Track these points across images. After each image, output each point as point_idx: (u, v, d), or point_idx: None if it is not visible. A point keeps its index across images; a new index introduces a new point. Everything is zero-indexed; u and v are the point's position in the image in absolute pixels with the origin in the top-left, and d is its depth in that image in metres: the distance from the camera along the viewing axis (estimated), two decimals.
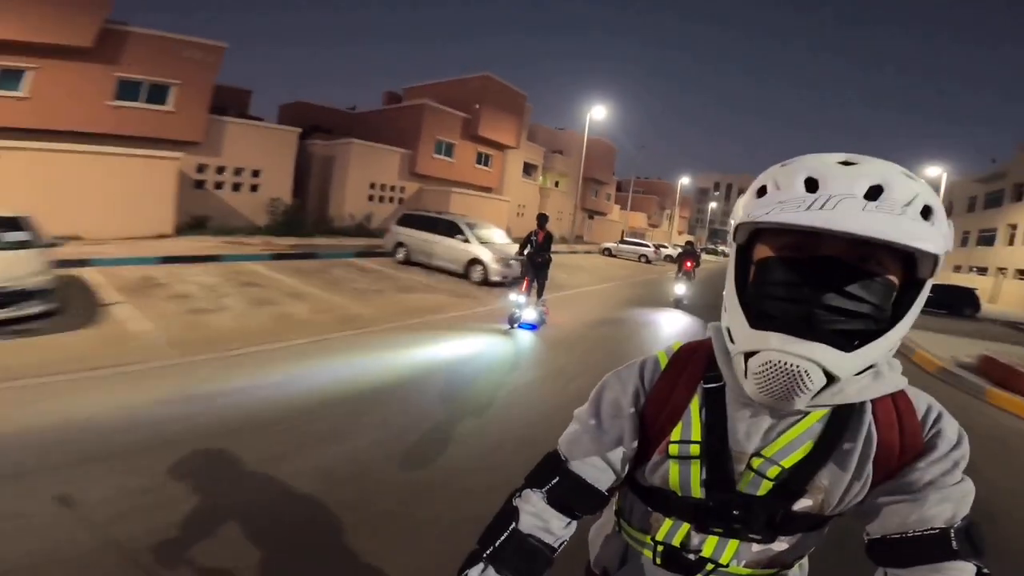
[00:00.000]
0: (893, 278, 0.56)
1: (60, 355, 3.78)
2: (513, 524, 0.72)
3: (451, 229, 10.32)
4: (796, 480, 0.65)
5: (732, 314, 0.63)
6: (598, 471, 0.74)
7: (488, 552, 0.70)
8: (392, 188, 18.31)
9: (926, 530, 0.60)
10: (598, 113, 24.23)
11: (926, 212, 0.53)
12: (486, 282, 9.43)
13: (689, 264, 10.16)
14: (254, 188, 14.14)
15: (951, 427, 0.65)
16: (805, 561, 0.78)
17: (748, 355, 0.60)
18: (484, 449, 3.03)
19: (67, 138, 10.04)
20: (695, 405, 0.70)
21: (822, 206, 0.52)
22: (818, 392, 0.57)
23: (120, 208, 9.87)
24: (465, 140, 20.95)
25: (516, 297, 6.29)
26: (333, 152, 16.89)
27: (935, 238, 0.52)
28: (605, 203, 34.99)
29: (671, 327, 7.99)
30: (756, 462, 0.66)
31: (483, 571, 0.68)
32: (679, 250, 13.28)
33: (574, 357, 5.38)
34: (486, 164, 22.57)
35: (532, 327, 6.28)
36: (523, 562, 0.70)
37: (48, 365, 3.55)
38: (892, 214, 0.51)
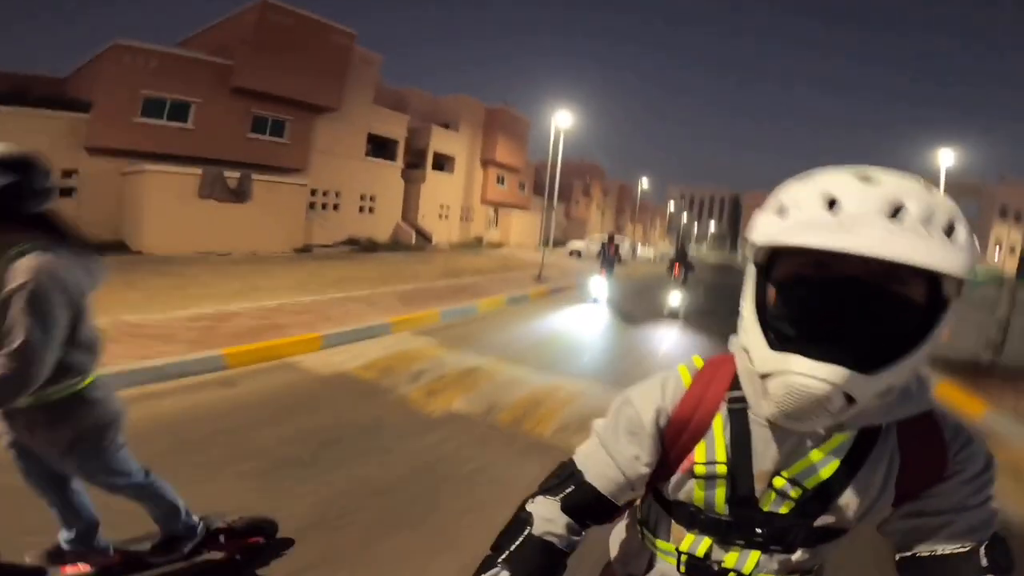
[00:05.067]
0: (915, 297, 0.56)
1: None
2: (528, 529, 0.75)
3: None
4: (819, 500, 0.68)
5: (751, 333, 0.64)
6: (613, 485, 0.78)
7: (503, 557, 0.73)
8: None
9: (955, 549, 0.63)
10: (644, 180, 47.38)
11: (949, 229, 0.54)
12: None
13: (678, 269, 9.84)
14: None
15: (980, 451, 0.67)
16: (824, 565, 0.81)
17: (766, 376, 0.62)
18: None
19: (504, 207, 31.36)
20: (718, 424, 0.73)
21: (845, 227, 0.53)
22: (842, 412, 0.58)
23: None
24: (585, 196, 43.47)
25: (596, 280, 10.45)
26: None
27: (958, 257, 0.52)
28: (629, 224, 58.59)
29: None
30: (779, 482, 0.69)
31: (498, 575, 0.70)
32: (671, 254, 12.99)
33: (629, 301, 11.71)
34: (587, 208, 45.18)
35: (597, 300, 10.23)
36: (538, 566, 0.73)
37: None
38: (915, 234, 0.52)
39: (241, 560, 1.99)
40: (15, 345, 1.31)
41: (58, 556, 1.75)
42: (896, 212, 0.54)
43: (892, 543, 0.71)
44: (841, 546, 0.76)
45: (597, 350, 6.75)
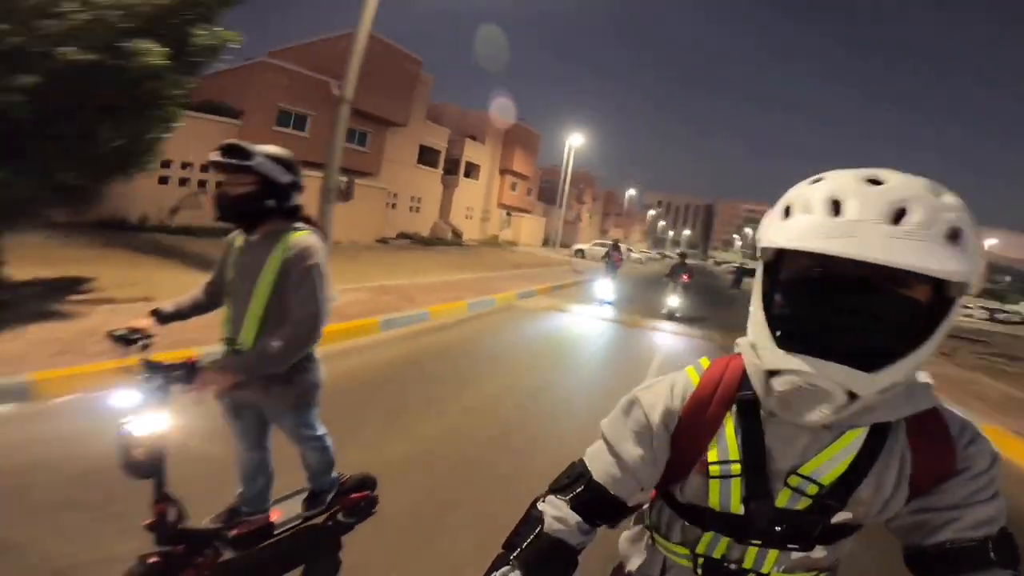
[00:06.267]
0: (919, 297, 0.59)
1: None
2: (539, 528, 0.78)
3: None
4: (835, 496, 0.71)
5: (758, 331, 0.69)
6: (621, 485, 0.81)
7: (515, 555, 0.75)
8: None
9: (964, 542, 0.66)
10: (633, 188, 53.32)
11: (953, 234, 0.56)
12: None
13: (686, 277, 10.83)
14: None
15: (985, 448, 0.70)
16: (839, 561, 0.85)
17: (773, 373, 0.67)
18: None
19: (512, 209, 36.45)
20: (729, 424, 0.76)
21: (845, 232, 0.57)
22: (843, 408, 0.63)
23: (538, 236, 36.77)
24: (578, 202, 49.16)
25: (602, 283, 11.64)
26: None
27: (958, 262, 0.55)
28: (612, 228, 64.72)
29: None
30: (794, 480, 0.72)
31: (511, 574, 0.72)
32: (672, 260, 14.27)
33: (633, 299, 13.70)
34: (580, 213, 50.87)
35: (609, 302, 11.27)
36: (550, 564, 0.76)
37: None
38: (912, 239, 0.55)
39: (351, 514, 2.36)
40: (309, 310, 1.59)
41: (233, 517, 1.97)
42: (899, 217, 0.57)
43: (900, 536, 0.73)
44: (854, 541, 0.79)
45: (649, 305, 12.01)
